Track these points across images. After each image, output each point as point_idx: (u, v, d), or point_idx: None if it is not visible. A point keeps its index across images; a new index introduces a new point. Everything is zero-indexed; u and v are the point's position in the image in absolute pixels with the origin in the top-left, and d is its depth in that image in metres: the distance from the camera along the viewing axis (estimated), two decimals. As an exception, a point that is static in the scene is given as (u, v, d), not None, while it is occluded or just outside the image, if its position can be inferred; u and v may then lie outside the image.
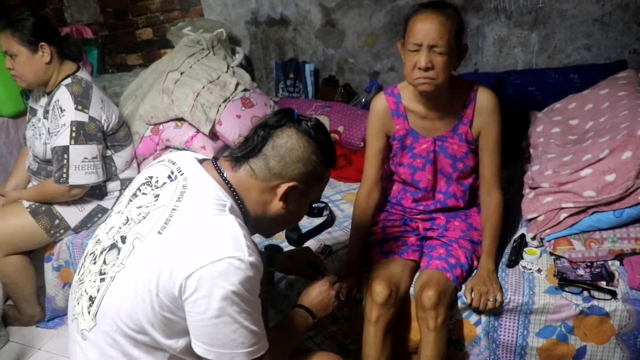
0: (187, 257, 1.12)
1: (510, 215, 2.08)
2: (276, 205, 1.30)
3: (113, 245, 1.24)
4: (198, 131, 2.76)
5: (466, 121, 1.83)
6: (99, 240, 1.32)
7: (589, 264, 1.76)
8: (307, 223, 2.24)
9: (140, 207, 1.26)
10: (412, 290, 1.81)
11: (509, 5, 2.92)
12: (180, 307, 1.14)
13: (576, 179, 1.83)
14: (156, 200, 1.24)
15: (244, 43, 3.76)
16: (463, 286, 1.76)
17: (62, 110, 2.22)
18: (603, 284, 1.69)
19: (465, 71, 3.06)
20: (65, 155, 2.20)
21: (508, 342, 1.74)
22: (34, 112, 2.47)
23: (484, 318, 1.75)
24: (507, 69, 3.00)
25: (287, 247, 2.07)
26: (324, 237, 2.14)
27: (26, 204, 2.36)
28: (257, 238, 2.14)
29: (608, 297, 1.65)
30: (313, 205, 2.30)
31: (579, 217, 1.81)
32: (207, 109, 2.74)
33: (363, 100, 3.32)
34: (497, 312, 1.72)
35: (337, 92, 3.40)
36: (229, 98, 2.85)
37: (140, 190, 1.31)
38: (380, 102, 1.90)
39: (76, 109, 2.23)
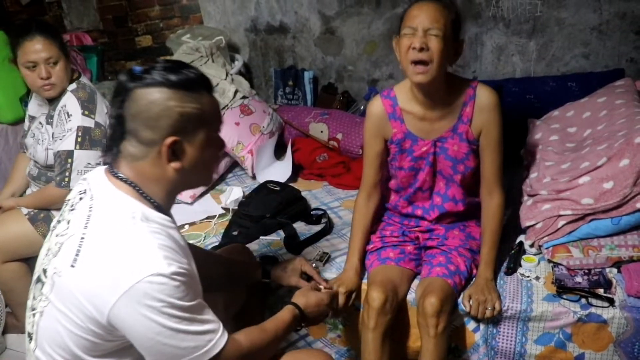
0: (107, 287, 1.08)
1: (509, 222, 2.08)
2: (171, 169, 1.21)
3: (38, 279, 1.22)
4: (197, 138, 2.76)
5: (466, 120, 1.80)
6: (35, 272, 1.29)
7: (586, 271, 1.76)
8: (305, 230, 2.25)
9: (57, 235, 1.22)
10: (410, 297, 1.81)
11: (507, 13, 2.94)
12: (113, 332, 1.13)
13: (574, 186, 1.84)
14: (68, 228, 1.20)
15: (243, 50, 3.77)
16: (462, 294, 1.76)
17: (68, 115, 2.22)
18: (601, 291, 1.69)
19: (458, 76, 3.06)
20: (70, 160, 2.20)
21: (506, 349, 1.74)
22: (32, 119, 2.47)
23: (482, 325, 1.75)
24: (505, 77, 3.01)
25: (285, 253, 2.08)
26: (322, 244, 2.14)
27: (25, 210, 2.36)
28: (255, 245, 2.15)
29: (606, 304, 1.65)
30: (311, 213, 2.34)
31: (577, 224, 1.81)
32: (206, 116, 2.75)
33: (362, 107, 3.33)
34: (495, 319, 1.72)
35: (336, 100, 3.41)
36: (227, 105, 2.86)
37: (62, 216, 1.27)
38: (376, 106, 1.88)
39: (83, 114, 2.23)
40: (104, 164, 1.27)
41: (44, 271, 1.20)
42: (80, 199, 1.23)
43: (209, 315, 1.21)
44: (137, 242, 1.12)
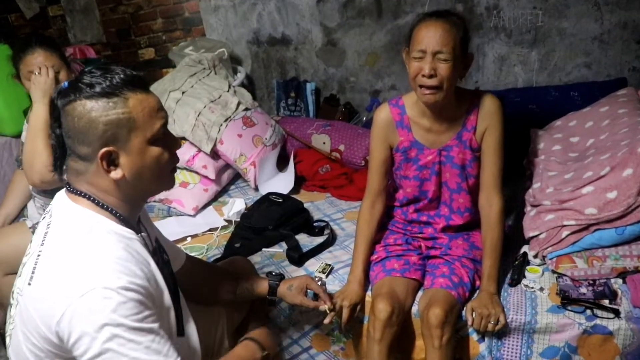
0: (53, 301, 1.05)
1: (512, 233, 2.07)
2: (112, 179, 1.16)
3: (9, 303, 1.22)
4: (199, 150, 2.77)
5: (470, 128, 1.82)
6: None
7: (591, 282, 1.75)
8: (307, 242, 2.24)
9: (25, 256, 1.21)
10: (414, 309, 1.80)
11: (508, 24, 2.94)
12: (69, 351, 1.07)
13: (577, 196, 1.83)
14: (30, 247, 1.20)
15: (246, 62, 3.79)
16: (465, 307, 1.74)
17: None
18: (606, 302, 1.67)
19: (464, 88, 3.07)
20: None
21: (511, 362, 1.72)
22: None
23: (487, 336, 1.73)
24: (507, 87, 3.01)
25: (288, 265, 2.07)
26: (325, 256, 2.13)
27: (29, 223, 2.36)
28: (257, 257, 2.14)
29: (611, 315, 1.63)
30: (314, 224, 2.33)
31: (581, 234, 1.80)
32: (209, 128, 2.76)
33: (364, 118, 3.33)
34: (500, 331, 1.71)
35: (338, 111, 3.41)
36: (230, 117, 2.86)
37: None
38: (384, 113, 1.89)
39: None
40: (65, 183, 1.24)
41: (12, 293, 1.20)
42: (43, 218, 1.22)
43: (163, 346, 1.10)
44: (87, 255, 1.09)
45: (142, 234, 1.26)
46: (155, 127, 1.17)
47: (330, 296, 1.75)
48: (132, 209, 1.24)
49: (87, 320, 1.02)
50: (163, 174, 1.24)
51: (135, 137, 1.15)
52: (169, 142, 1.23)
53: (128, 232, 1.19)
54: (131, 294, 1.06)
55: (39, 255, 1.13)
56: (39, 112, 2.12)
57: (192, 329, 1.39)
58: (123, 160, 1.15)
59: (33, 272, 1.11)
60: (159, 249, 1.37)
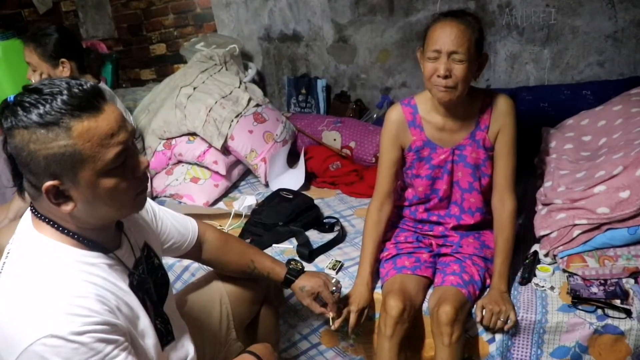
0: (5, 345, 0.97)
1: (523, 231, 2.06)
2: (64, 211, 1.03)
3: None
4: (210, 146, 2.78)
5: (483, 127, 1.82)
6: None
7: (602, 281, 1.74)
8: (317, 238, 2.24)
9: None
10: (425, 306, 1.80)
11: (521, 21, 2.93)
12: None
13: (589, 195, 1.82)
14: None
15: (257, 58, 3.79)
16: (475, 304, 1.74)
17: None
18: (617, 302, 1.66)
19: (477, 87, 3.06)
20: None
21: (521, 361, 1.72)
22: None
23: (497, 336, 1.73)
24: (519, 85, 3.00)
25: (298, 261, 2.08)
26: (335, 253, 2.14)
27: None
28: (268, 253, 2.15)
29: (623, 315, 1.63)
30: (324, 221, 2.34)
31: (593, 234, 1.80)
32: (220, 124, 2.76)
33: (375, 116, 3.33)
34: (510, 330, 1.70)
35: (348, 108, 3.41)
36: (241, 113, 2.87)
37: None
38: (396, 113, 1.88)
39: None
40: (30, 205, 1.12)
41: None
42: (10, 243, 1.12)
43: None
44: (39, 297, 0.99)
45: (117, 251, 1.16)
46: (106, 157, 1.00)
47: (338, 309, 1.72)
48: (99, 232, 1.12)
49: None
50: (123, 202, 1.09)
51: (83, 171, 0.99)
52: (128, 168, 1.06)
53: (93, 258, 1.09)
54: (85, 337, 0.97)
55: None
56: None
57: (182, 330, 1.38)
58: (73, 193, 1.01)
59: None
60: (147, 255, 1.30)
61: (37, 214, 1.08)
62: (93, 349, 0.98)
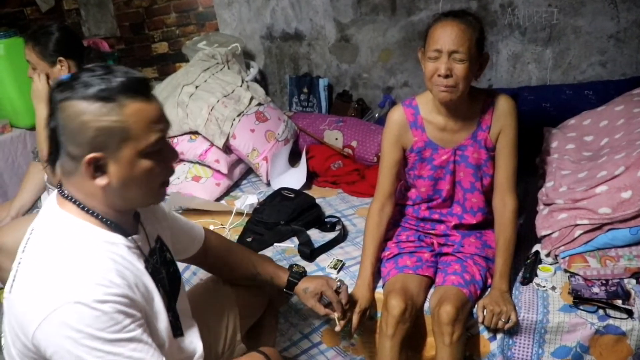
0: (29, 313, 1.02)
1: (524, 231, 2.06)
2: (98, 186, 1.09)
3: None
4: (212, 144, 2.78)
5: (485, 127, 1.82)
6: None
7: (604, 281, 1.74)
8: (319, 238, 2.24)
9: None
10: (426, 306, 1.80)
11: (523, 21, 2.92)
12: None
13: (591, 195, 1.82)
14: (16, 253, 1.15)
15: (259, 57, 3.79)
16: (476, 304, 1.74)
17: None
18: (619, 302, 1.66)
19: (479, 87, 3.05)
20: None
21: (522, 361, 1.72)
22: None
23: (498, 334, 1.73)
24: (520, 85, 3.00)
25: (300, 260, 2.08)
26: (337, 252, 2.14)
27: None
28: (269, 252, 2.15)
29: (624, 316, 1.63)
30: (326, 220, 2.34)
31: (594, 234, 1.79)
32: (222, 122, 2.77)
33: (377, 115, 3.33)
34: (511, 330, 1.70)
35: (350, 107, 3.41)
36: (243, 112, 2.87)
37: None
38: (397, 114, 1.89)
39: None
40: (57, 184, 1.19)
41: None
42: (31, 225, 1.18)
43: (146, 353, 1.09)
44: (63, 267, 1.05)
45: (135, 236, 1.20)
46: (150, 139, 1.09)
47: (343, 310, 1.71)
48: (121, 215, 1.18)
49: (62, 335, 1.00)
50: (151, 188, 1.17)
51: (126, 148, 1.07)
52: (164, 156, 1.15)
53: (114, 237, 1.14)
54: (106, 306, 1.02)
55: (19, 263, 1.10)
56: (39, 113, 2.25)
57: (192, 328, 1.40)
58: (111, 168, 1.08)
59: (14, 280, 1.09)
60: (160, 248, 1.33)
61: (64, 194, 1.13)
62: (113, 318, 1.03)
